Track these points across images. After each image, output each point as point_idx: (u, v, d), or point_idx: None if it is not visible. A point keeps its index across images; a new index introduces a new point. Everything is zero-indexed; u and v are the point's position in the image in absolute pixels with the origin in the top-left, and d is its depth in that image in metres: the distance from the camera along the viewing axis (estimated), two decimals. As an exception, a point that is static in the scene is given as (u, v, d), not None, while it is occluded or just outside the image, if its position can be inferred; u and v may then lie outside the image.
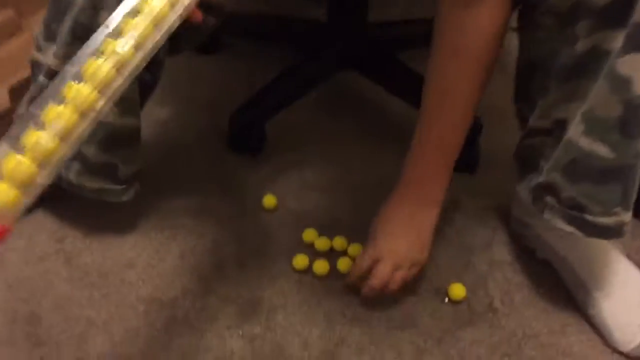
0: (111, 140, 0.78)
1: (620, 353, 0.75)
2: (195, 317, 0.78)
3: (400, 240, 0.76)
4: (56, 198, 0.86)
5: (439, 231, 0.88)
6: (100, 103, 0.51)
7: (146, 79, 0.77)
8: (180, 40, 0.66)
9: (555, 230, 0.80)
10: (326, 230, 0.88)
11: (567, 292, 0.82)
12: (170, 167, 0.98)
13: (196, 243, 0.87)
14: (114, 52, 0.51)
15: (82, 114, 0.50)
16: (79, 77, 0.50)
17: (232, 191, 0.95)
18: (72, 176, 0.80)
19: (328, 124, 1.06)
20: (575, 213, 0.70)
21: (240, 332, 0.77)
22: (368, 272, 0.76)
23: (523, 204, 0.81)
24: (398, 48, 1.12)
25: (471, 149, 0.96)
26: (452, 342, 0.77)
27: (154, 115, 1.04)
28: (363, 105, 1.10)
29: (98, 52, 0.51)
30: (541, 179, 0.72)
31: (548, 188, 0.71)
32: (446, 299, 0.81)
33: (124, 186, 0.84)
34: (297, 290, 0.82)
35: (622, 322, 0.75)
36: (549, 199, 0.72)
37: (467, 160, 0.96)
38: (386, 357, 0.75)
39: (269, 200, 0.92)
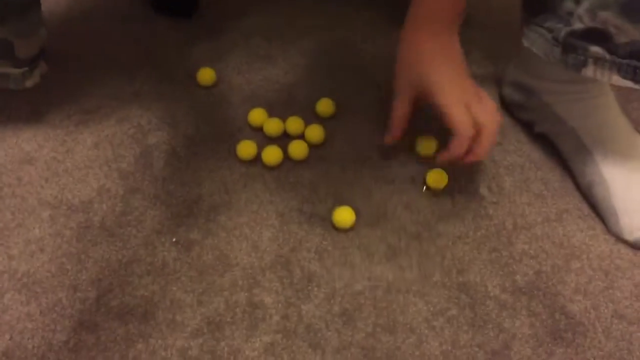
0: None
1: (625, 242, 0.64)
2: (116, 222, 0.63)
3: (458, 73, 0.60)
4: None
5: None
6: None
7: None
8: None
9: (568, 95, 0.65)
10: (277, 111, 0.71)
11: (564, 174, 0.69)
12: (82, 41, 0.78)
13: (115, 130, 0.70)
14: None
15: None
16: None
17: (160, 65, 0.76)
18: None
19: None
20: (635, 62, 0.55)
21: (174, 239, 0.62)
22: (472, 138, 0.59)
23: (530, 64, 0.66)
24: None
25: None
26: (431, 238, 0.64)
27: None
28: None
29: None
30: (578, 24, 0.56)
31: (593, 34, 0.56)
32: (424, 188, 0.68)
33: (25, 69, 0.66)
34: (243, 184, 0.67)
35: (631, 207, 0.64)
36: (595, 48, 0.56)
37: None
38: (353, 260, 0.62)
39: (206, 75, 0.74)
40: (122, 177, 0.66)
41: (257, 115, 0.71)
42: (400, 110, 0.64)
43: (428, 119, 0.66)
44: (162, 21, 0.79)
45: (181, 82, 0.74)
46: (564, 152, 0.69)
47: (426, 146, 0.69)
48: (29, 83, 0.69)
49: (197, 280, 0.60)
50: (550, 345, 0.57)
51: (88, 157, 0.67)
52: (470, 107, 0.59)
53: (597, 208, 0.66)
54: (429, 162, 0.68)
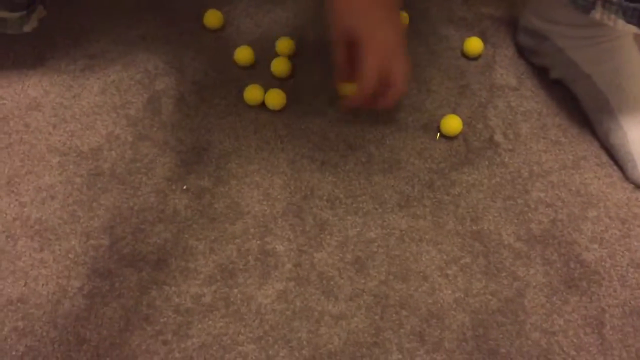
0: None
1: (642, 190, 0.63)
2: (126, 170, 0.62)
3: (386, 25, 0.58)
4: None
5: (426, 51, 0.71)
6: None
7: None
8: None
9: (581, 40, 0.63)
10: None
11: (582, 120, 0.67)
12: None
13: (122, 75, 0.68)
14: None
15: None
16: None
17: (166, 8, 0.73)
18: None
19: None
20: None
21: (185, 186, 0.62)
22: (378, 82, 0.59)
23: (542, 8, 0.63)
24: None
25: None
26: (445, 186, 0.63)
27: None
28: None
29: None
30: None
31: None
32: (437, 135, 0.66)
33: (22, 12, 0.64)
34: (253, 131, 0.65)
35: (651, 154, 0.62)
36: None
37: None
38: (365, 207, 0.61)
39: (213, 17, 0.71)
40: (130, 124, 0.65)
41: (283, 44, 0.69)
42: (339, 56, 0.62)
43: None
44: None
45: (188, 25, 0.72)
46: (580, 99, 0.67)
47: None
48: (27, 28, 0.67)
49: (209, 228, 0.59)
50: (564, 293, 0.57)
51: (95, 103, 0.66)
52: (384, 60, 0.58)
53: (614, 155, 0.65)
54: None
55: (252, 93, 0.66)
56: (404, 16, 0.72)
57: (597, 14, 0.56)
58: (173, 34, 0.71)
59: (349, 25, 0.59)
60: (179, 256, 0.58)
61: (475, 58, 0.71)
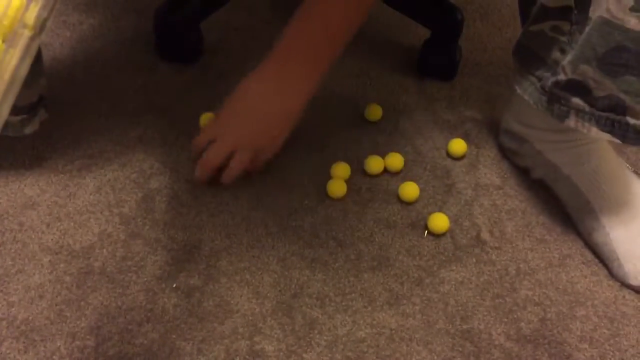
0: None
1: (629, 288, 0.64)
2: (116, 268, 0.62)
3: (247, 121, 0.66)
4: None
5: (412, 151, 0.74)
6: None
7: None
8: None
9: (559, 143, 0.66)
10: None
11: (566, 218, 0.69)
12: (86, 87, 0.79)
13: (117, 175, 0.70)
14: None
15: None
16: None
17: (164, 110, 0.77)
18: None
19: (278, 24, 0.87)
20: (613, 116, 0.56)
21: (174, 285, 0.62)
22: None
23: (521, 112, 0.66)
24: None
25: (450, 49, 0.80)
26: (434, 283, 0.63)
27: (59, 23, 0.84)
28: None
29: None
30: (562, 76, 0.57)
31: (574, 86, 0.56)
32: (425, 233, 0.67)
33: (23, 116, 0.67)
34: (245, 229, 0.67)
35: (634, 252, 0.63)
36: (576, 100, 0.57)
37: (444, 64, 0.80)
38: (355, 305, 0.61)
39: (209, 120, 0.75)
40: (123, 222, 0.66)
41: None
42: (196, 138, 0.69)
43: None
44: (167, 67, 0.81)
45: (185, 127, 0.75)
46: (562, 199, 0.69)
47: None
48: (27, 130, 0.69)
49: (197, 328, 0.59)
50: (557, 395, 0.56)
51: (90, 201, 0.67)
52: (214, 142, 0.66)
53: (599, 254, 0.66)
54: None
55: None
56: (377, 109, 0.76)
57: (572, 122, 0.59)
58: (170, 136, 0.74)
59: (223, 105, 0.67)
60: (165, 357, 0.57)
61: (459, 158, 0.74)
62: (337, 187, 0.69)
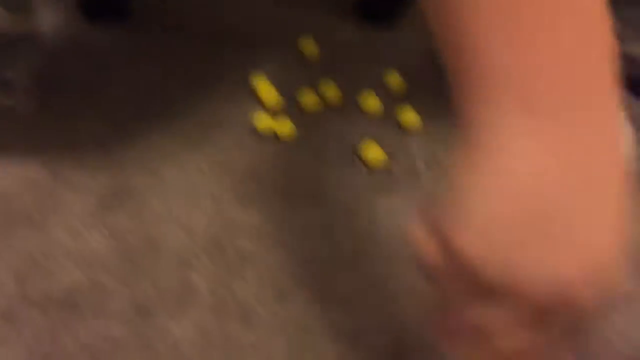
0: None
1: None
2: (37, 210, 0.60)
3: (545, 240, 0.29)
4: None
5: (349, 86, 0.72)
6: None
7: None
8: None
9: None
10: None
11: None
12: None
13: (34, 112, 0.67)
14: None
15: None
16: None
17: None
18: None
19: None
20: None
21: (101, 226, 0.60)
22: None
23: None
24: None
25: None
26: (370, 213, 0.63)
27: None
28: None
29: None
30: None
31: None
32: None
33: None
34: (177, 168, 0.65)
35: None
36: None
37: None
38: (288, 240, 0.61)
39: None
40: (45, 165, 0.63)
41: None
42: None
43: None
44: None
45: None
46: None
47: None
48: None
49: (127, 267, 0.57)
50: None
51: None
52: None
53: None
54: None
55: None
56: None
57: None
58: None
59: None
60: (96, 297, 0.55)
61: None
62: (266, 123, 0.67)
